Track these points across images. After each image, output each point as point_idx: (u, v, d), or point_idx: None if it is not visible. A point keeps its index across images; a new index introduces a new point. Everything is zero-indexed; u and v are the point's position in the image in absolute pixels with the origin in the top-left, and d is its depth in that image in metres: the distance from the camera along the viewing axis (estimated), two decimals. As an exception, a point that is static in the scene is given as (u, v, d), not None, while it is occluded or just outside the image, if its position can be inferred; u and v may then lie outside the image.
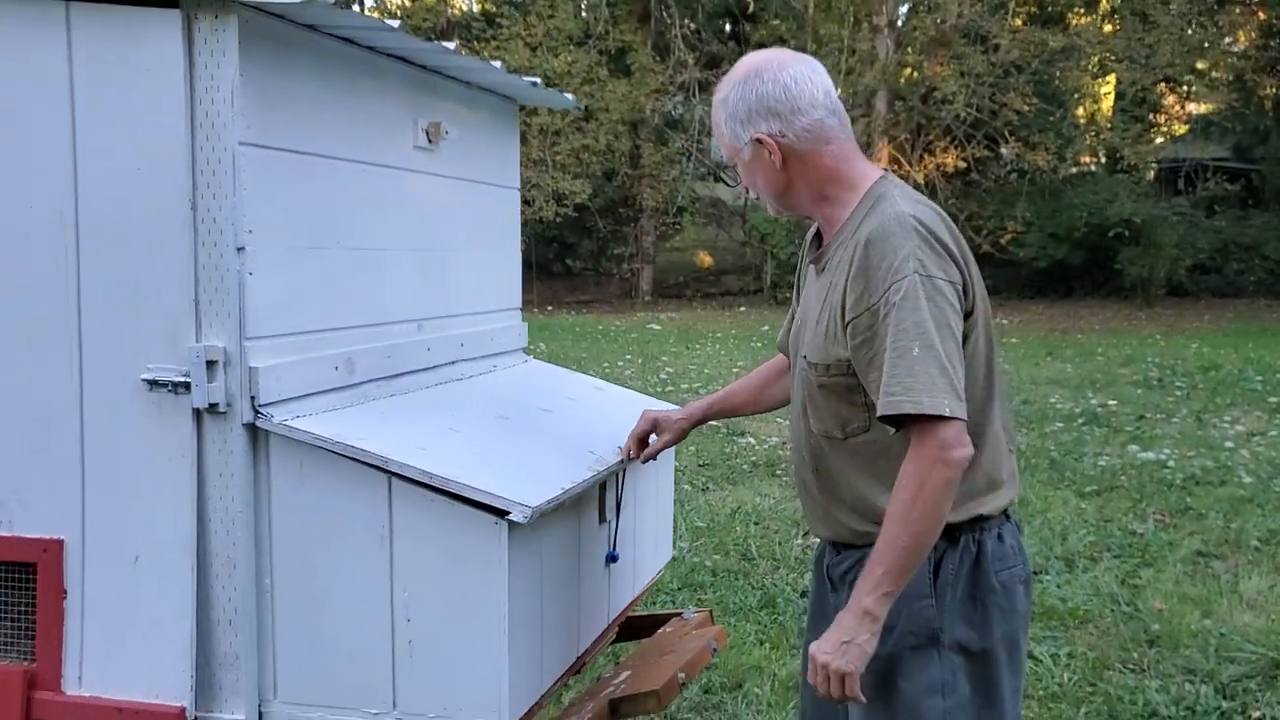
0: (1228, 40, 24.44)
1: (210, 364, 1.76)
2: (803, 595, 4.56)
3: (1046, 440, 7.71)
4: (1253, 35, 25.10)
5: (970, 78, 19.32)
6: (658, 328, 15.41)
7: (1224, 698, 3.61)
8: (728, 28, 27.15)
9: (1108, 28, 21.93)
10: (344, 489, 1.79)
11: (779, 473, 6.79)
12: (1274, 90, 24.83)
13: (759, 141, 1.87)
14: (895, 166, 20.76)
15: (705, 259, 27.51)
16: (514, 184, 2.79)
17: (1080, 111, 22.19)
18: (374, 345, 2.12)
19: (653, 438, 2.28)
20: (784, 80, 1.88)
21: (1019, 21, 20.76)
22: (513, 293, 2.82)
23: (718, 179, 25.61)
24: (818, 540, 2.09)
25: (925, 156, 20.60)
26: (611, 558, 2.25)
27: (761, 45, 25.47)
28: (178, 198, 1.76)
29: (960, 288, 1.80)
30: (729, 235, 26.22)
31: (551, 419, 2.41)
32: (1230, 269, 21.59)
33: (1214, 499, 6.10)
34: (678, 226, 25.08)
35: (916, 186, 20.42)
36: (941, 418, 1.68)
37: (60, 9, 1.77)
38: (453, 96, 2.43)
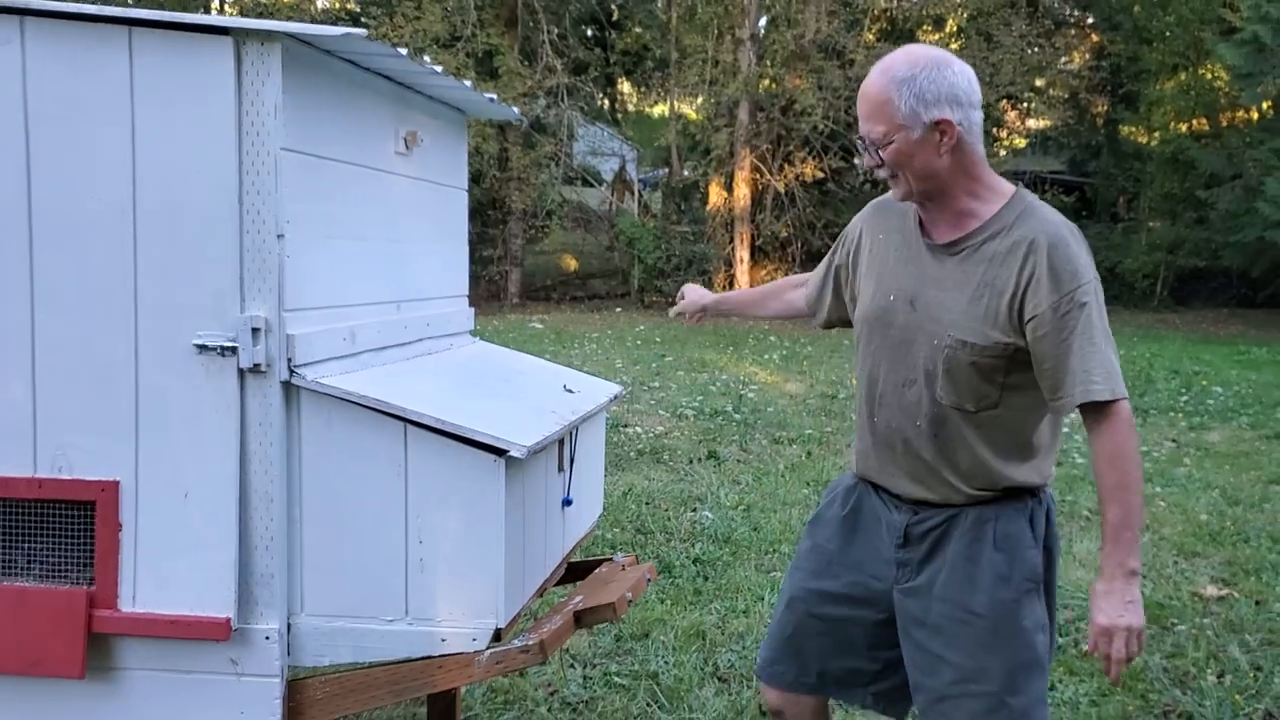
0: (1064, 60, 26.09)
1: (254, 331, 2.11)
2: (695, 561, 5.04)
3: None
4: (1086, 56, 26.87)
5: (827, 91, 20.21)
6: (539, 327, 15.76)
7: (1061, 636, 4.21)
8: (590, 34, 27.63)
9: (955, 45, 23.16)
10: (366, 434, 2.17)
11: (663, 459, 7.25)
12: (1105, 108, 26.60)
13: (939, 124, 2.02)
14: (758, 175, 21.58)
15: (571, 262, 27.88)
16: (463, 185, 3.17)
17: (935, 125, 23.28)
18: (369, 321, 2.48)
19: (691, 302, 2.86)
20: (968, 74, 2.06)
21: (872, 37, 21.74)
22: (463, 281, 3.20)
23: (586, 183, 26.06)
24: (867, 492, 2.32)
25: (786, 166, 21.43)
26: (567, 502, 2.66)
27: (626, 53, 26.16)
28: (227, 193, 2.11)
29: None
30: (596, 240, 26.66)
31: (513, 385, 2.81)
32: (1068, 276, 23.02)
33: (1058, 477, 6.81)
34: (545, 230, 25.42)
35: (777, 195, 21.41)
36: (1125, 399, 1.99)
37: (123, 32, 2.10)
38: (421, 108, 2.81)
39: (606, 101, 31.45)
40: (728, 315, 2.98)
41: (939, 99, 2.00)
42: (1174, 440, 8.33)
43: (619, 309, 20.89)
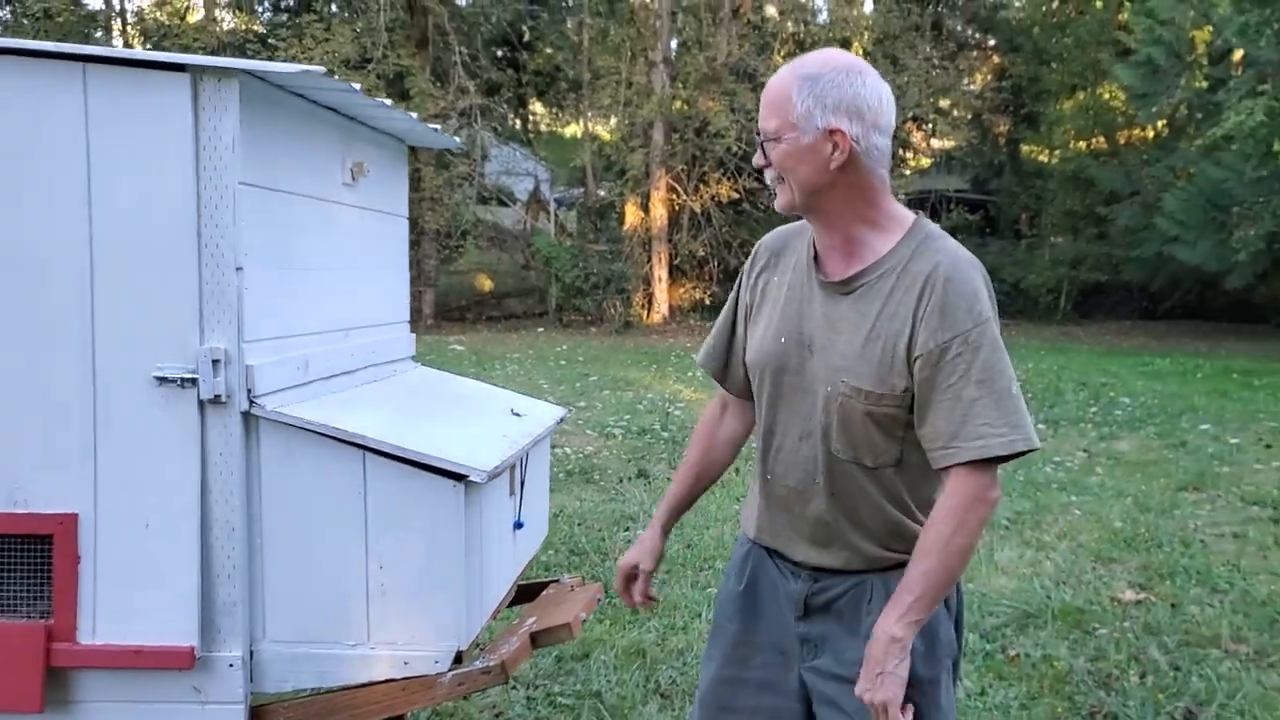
0: (967, 82, 26.85)
1: (214, 362, 2.14)
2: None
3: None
4: (988, 77, 27.67)
5: (740, 113, 20.51)
6: (460, 348, 15.71)
7: (988, 641, 4.36)
8: (502, 55, 27.67)
9: (862, 68, 23.68)
10: (326, 463, 2.21)
11: (593, 479, 7.31)
12: (1007, 128, 27.39)
13: (832, 134, 1.82)
14: (674, 195, 21.80)
15: (486, 282, 27.80)
16: (404, 214, 3.22)
17: (842, 146, 23.75)
18: (319, 349, 2.52)
19: (640, 570, 2.20)
20: (880, 93, 1.87)
21: (781, 60, 22.12)
22: (404, 307, 3.24)
23: (500, 203, 26.04)
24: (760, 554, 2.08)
25: (701, 186, 21.68)
26: (518, 524, 2.72)
27: (539, 73, 26.24)
28: (186, 226, 2.14)
29: None
30: (512, 259, 26.63)
31: (462, 409, 2.86)
32: (973, 291, 23.68)
33: (970, 488, 7.02)
34: (460, 250, 25.33)
35: (694, 215, 21.64)
36: (992, 461, 1.74)
37: (78, 69, 2.12)
38: (366, 140, 2.85)
39: (519, 122, 31.51)
40: (693, 502, 2.42)
41: (839, 107, 1.82)
42: (1085, 450, 8.61)
43: (540, 329, 20.90)
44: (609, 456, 8.06)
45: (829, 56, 1.87)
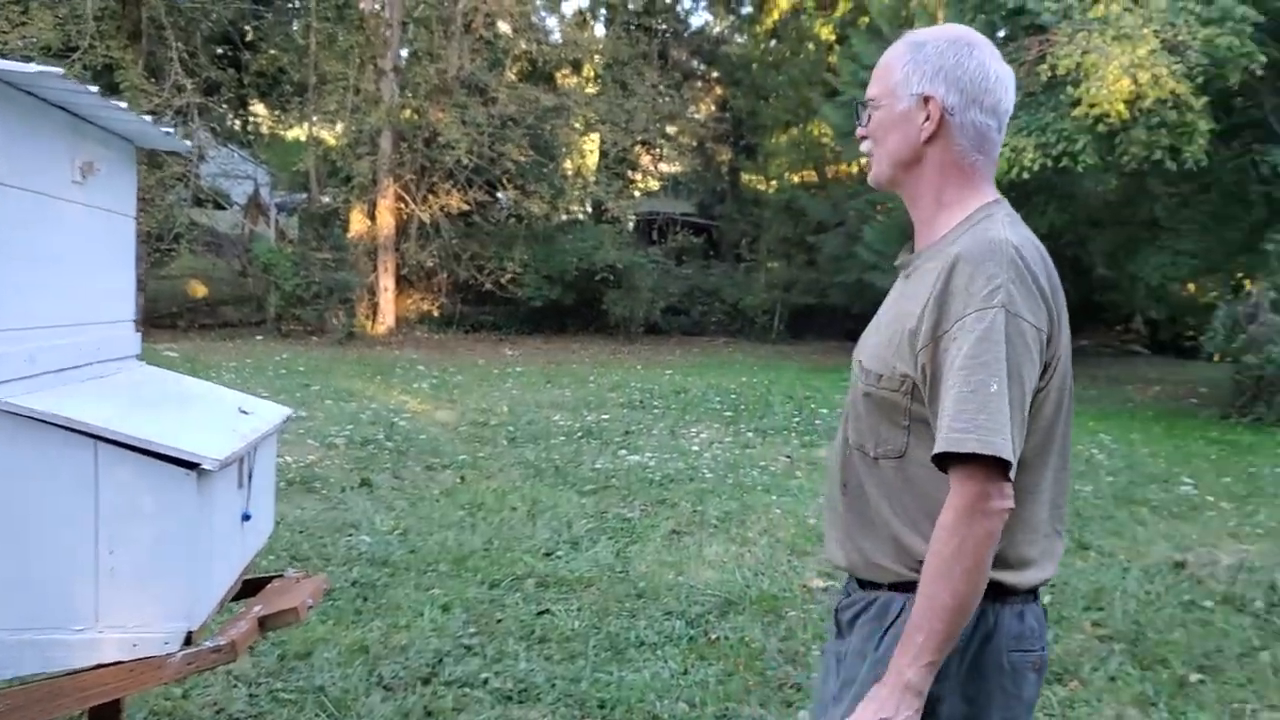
0: (692, 110, 28.05)
1: (-62, 351, 2.15)
2: (355, 584, 5.18)
3: (552, 451, 8.84)
4: (712, 108, 29.03)
5: (471, 126, 20.64)
6: (174, 355, 15.02)
7: (692, 627, 4.73)
8: (223, 53, 26.59)
9: (592, 90, 24.34)
10: (53, 451, 2.24)
11: (315, 488, 7.27)
12: (729, 156, 28.81)
13: (926, 100, 1.73)
14: (401, 205, 21.65)
15: (198, 289, 26.58)
16: (132, 213, 3.23)
17: (569, 165, 24.32)
18: (46, 344, 2.53)
19: None
20: (990, 69, 1.73)
21: (513, 76, 22.43)
22: (130, 305, 3.25)
23: (217, 206, 25.02)
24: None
25: (430, 197, 21.64)
26: (246, 516, 2.81)
27: (262, 74, 25.38)
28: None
29: (1045, 337, 1.65)
30: (228, 265, 25.62)
31: (191, 406, 2.91)
32: (696, 311, 24.84)
33: (684, 491, 7.48)
34: (173, 254, 24.13)
35: (421, 226, 21.56)
36: (995, 462, 1.55)
37: None
38: (95, 139, 2.87)
39: (239, 123, 30.33)
40: None
41: (937, 74, 1.72)
42: (788, 456, 9.28)
43: (258, 337, 20.23)
44: (331, 466, 8.02)
45: (945, 28, 1.78)
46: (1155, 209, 16.97)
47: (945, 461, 1.59)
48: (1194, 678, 4.45)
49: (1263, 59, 12.73)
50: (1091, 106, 12.55)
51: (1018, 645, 1.68)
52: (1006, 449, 1.55)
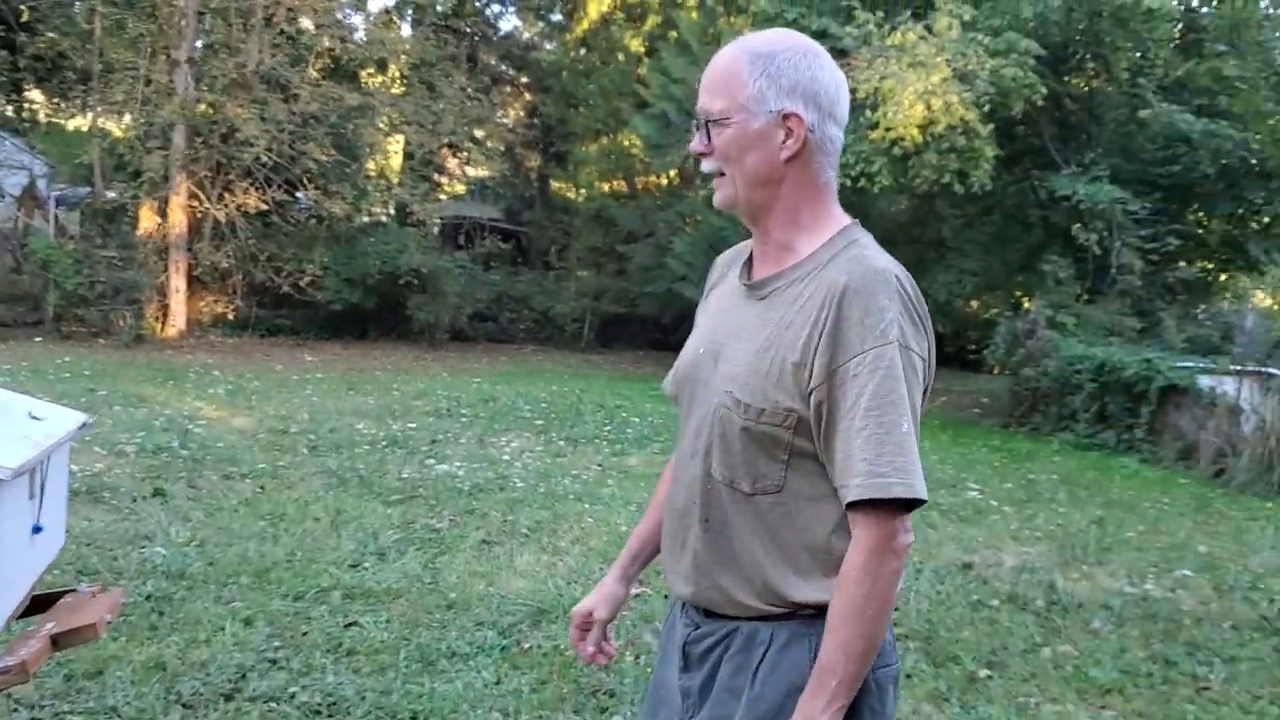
0: (501, 115, 27.91)
1: None
2: (149, 598, 4.91)
3: (356, 460, 8.61)
4: (521, 113, 28.96)
5: (271, 123, 19.91)
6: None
7: (504, 637, 4.69)
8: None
9: (398, 90, 23.89)
10: None
11: (103, 498, 6.86)
12: (538, 163, 28.79)
13: (788, 118, 1.64)
14: (196, 203, 20.71)
15: (-38, 286, 24.75)
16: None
17: (372, 166, 23.78)
18: None
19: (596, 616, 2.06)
20: (838, 79, 1.68)
21: (316, 73, 21.78)
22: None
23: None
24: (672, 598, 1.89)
25: (226, 195, 20.76)
26: (37, 529, 2.61)
27: (39, 59, 23.82)
28: None
29: (926, 365, 1.66)
30: (0, 261, 23.93)
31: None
32: (504, 318, 24.66)
33: (494, 501, 7.41)
34: (-67, 249, 22.40)
35: (216, 225, 20.67)
36: (905, 503, 1.56)
37: None
38: None
39: (12, 110, 28.39)
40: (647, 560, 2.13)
41: (794, 89, 1.64)
42: (600, 465, 9.32)
43: (36, 339, 18.95)
44: (121, 475, 7.59)
45: (782, 34, 1.69)
46: (943, 229, 17.93)
47: (859, 503, 1.57)
48: (983, 673, 4.69)
49: (1044, 90, 13.63)
50: (888, 130, 13.15)
51: (881, 662, 1.66)
52: (924, 489, 1.57)
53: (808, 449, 1.63)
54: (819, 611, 1.62)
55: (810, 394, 1.60)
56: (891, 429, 1.54)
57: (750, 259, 1.80)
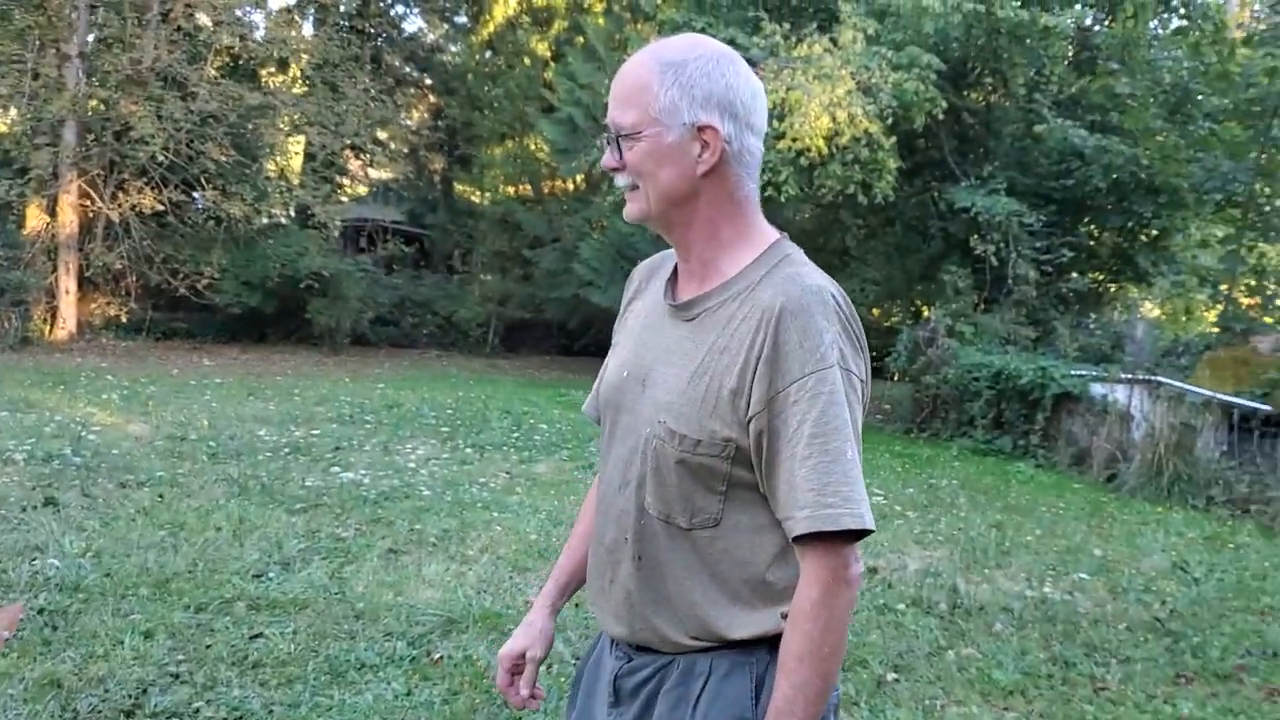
0: (404, 117, 27.60)
1: None
2: (41, 612, 4.73)
3: (258, 468, 8.41)
4: (425, 115, 28.67)
5: (168, 121, 19.38)
6: None
7: (414, 647, 4.63)
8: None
9: (300, 90, 23.45)
10: None
11: (-10, 506, 6.61)
12: (442, 166, 28.53)
13: (703, 130, 1.57)
14: (88, 202, 20.08)
15: None
16: None
17: (273, 167, 23.31)
18: None
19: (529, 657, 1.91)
20: (754, 87, 1.61)
21: (214, 71, 21.26)
22: None
23: None
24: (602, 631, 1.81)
25: (120, 194, 20.15)
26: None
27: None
28: None
29: (864, 384, 1.61)
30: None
31: None
32: (407, 322, 24.39)
33: (401, 509, 7.31)
34: None
35: (109, 225, 20.05)
36: (854, 533, 1.50)
37: None
38: None
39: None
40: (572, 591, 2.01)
41: (709, 100, 1.56)
42: (508, 472, 9.25)
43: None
44: (9, 484, 7.31)
45: (696, 41, 1.61)
46: (847, 239, 18.24)
47: (808, 535, 1.51)
48: (890, 676, 4.77)
49: (944, 104, 13.95)
50: (794, 141, 13.31)
51: None
52: (871, 518, 1.51)
53: (747, 479, 1.57)
54: (759, 640, 1.59)
55: (749, 422, 1.53)
56: (837, 456, 1.49)
57: (675, 275, 1.72)
